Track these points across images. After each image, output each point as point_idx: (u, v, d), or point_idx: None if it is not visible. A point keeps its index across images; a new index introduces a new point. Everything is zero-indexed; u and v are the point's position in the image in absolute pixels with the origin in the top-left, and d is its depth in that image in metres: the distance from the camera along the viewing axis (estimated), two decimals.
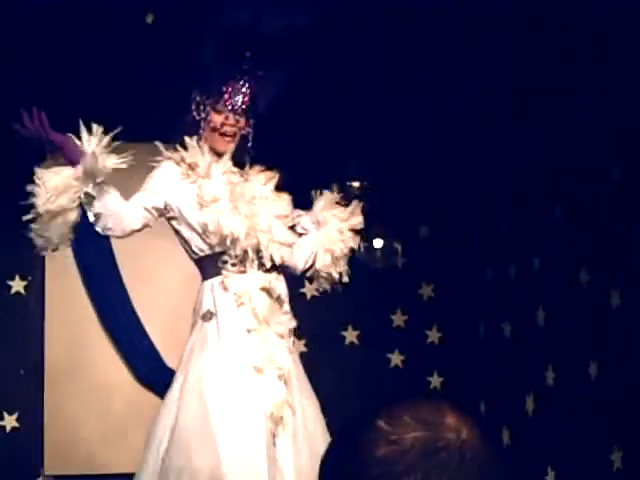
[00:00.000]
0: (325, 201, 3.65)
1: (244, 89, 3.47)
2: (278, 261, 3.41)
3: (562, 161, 4.26)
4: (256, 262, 3.38)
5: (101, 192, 3.24)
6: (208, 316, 3.37)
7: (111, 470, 4.70)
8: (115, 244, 4.73)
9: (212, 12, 3.59)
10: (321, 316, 4.83)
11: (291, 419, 3.34)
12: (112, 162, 3.22)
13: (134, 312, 4.81)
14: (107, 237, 4.65)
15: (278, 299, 3.42)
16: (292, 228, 3.59)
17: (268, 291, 3.39)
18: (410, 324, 5.11)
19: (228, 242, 3.36)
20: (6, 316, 4.77)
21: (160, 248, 4.56)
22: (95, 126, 3.21)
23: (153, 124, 3.77)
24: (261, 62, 3.48)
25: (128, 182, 3.46)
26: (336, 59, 4.45)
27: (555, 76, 4.20)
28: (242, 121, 3.47)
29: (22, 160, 3.25)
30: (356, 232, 3.64)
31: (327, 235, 3.60)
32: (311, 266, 3.61)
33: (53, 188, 3.14)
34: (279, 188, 3.53)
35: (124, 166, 3.25)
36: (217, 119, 3.45)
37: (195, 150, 3.45)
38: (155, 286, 4.86)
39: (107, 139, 3.21)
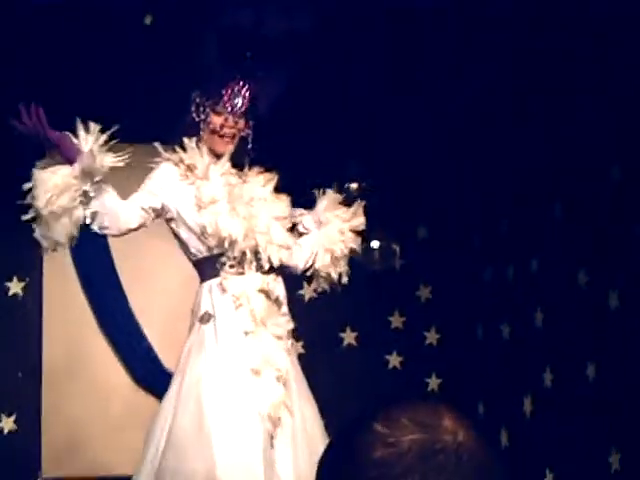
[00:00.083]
0: (328, 201, 3.65)
1: (243, 91, 3.46)
2: (276, 263, 3.40)
3: (562, 161, 4.26)
4: (254, 264, 3.38)
5: (99, 191, 3.23)
6: (206, 318, 3.37)
7: (109, 472, 4.69)
8: (114, 245, 4.73)
9: (212, 13, 3.59)
10: (319, 318, 4.83)
11: (289, 421, 3.33)
12: (109, 161, 3.21)
13: (132, 315, 4.81)
14: (106, 244, 4.68)
15: (276, 301, 3.42)
16: (292, 229, 3.58)
17: (266, 293, 3.38)
18: (408, 326, 5.11)
19: (226, 244, 3.35)
20: (4, 317, 4.77)
21: (159, 249, 4.56)
22: (92, 124, 3.20)
23: (152, 125, 3.76)
24: (261, 63, 3.48)
25: (126, 183, 3.45)
26: (336, 59, 4.45)
27: (555, 76, 4.20)
28: (241, 123, 3.47)
29: (21, 160, 3.24)
30: (357, 233, 3.64)
31: (328, 235, 3.60)
32: (311, 266, 3.60)
33: (52, 187, 3.13)
34: (278, 189, 3.52)
35: (121, 164, 3.24)
36: (216, 121, 3.44)
37: (194, 151, 3.44)
38: (154, 287, 4.85)
39: (104, 137, 3.20)
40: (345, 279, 3.61)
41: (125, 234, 3.44)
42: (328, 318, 4.91)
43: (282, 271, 3.48)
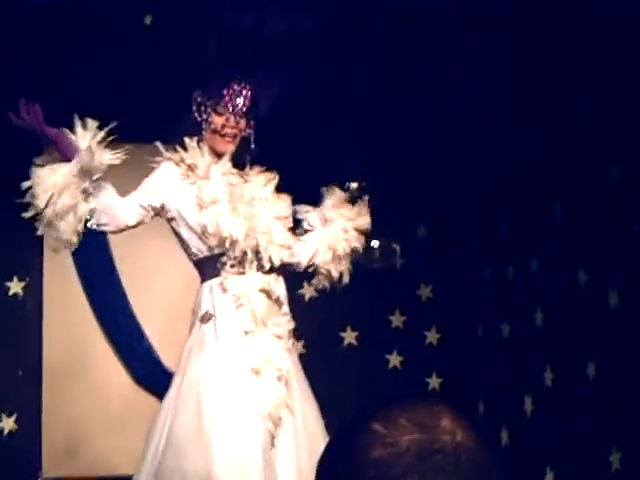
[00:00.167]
0: (334, 199, 3.65)
1: (245, 91, 3.46)
2: (277, 263, 3.41)
3: (562, 161, 4.26)
4: (255, 263, 3.38)
5: (97, 188, 3.24)
6: (207, 317, 3.37)
7: (109, 472, 4.69)
8: (114, 245, 4.74)
9: (212, 14, 3.59)
10: (320, 317, 4.83)
11: (291, 420, 3.34)
12: (108, 158, 3.21)
13: (133, 315, 4.81)
14: (106, 243, 4.68)
15: (277, 300, 3.42)
16: (295, 227, 3.58)
17: (267, 292, 3.39)
18: (409, 325, 5.11)
19: (227, 244, 3.35)
20: (4, 317, 4.76)
21: (159, 249, 4.57)
22: (90, 121, 3.20)
23: (153, 125, 3.76)
24: (261, 63, 3.48)
25: (127, 182, 3.45)
26: (336, 59, 4.45)
27: (555, 76, 4.20)
28: (243, 123, 3.47)
29: (21, 159, 3.24)
30: (361, 233, 3.64)
31: (331, 233, 3.60)
32: (314, 263, 3.61)
33: (52, 186, 3.13)
34: (279, 189, 3.53)
35: (118, 162, 3.24)
36: (218, 121, 3.45)
37: (195, 151, 3.45)
38: (154, 288, 4.85)
39: (101, 134, 3.20)
40: (346, 279, 3.61)
41: (123, 230, 3.44)
42: (328, 317, 4.91)
43: (283, 271, 3.48)
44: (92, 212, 3.26)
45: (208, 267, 3.42)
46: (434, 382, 5.09)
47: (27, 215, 3.20)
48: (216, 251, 3.39)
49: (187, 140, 3.45)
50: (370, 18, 4.20)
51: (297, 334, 3.65)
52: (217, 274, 3.39)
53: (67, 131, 3.19)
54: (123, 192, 3.39)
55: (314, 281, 3.69)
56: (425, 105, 4.78)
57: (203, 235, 3.39)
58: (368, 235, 3.68)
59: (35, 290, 4.78)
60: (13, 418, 4.72)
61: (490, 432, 4.71)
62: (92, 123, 3.20)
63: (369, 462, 1.06)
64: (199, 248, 3.43)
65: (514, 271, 4.75)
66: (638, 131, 3.74)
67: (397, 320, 5.11)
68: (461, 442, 1.09)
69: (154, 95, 4.43)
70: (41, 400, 4.73)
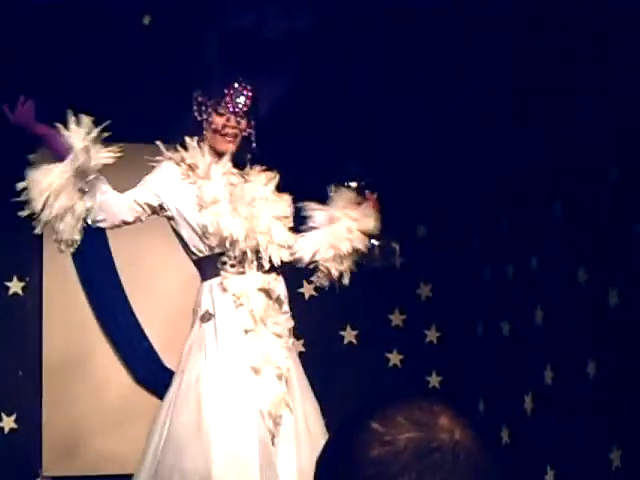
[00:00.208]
0: (342, 199, 3.64)
1: (245, 91, 3.47)
2: (277, 263, 3.41)
3: (561, 161, 4.26)
4: (255, 263, 3.38)
5: (93, 186, 3.23)
6: (207, 317, 3.37)
7: (110, 470, 4.68)
8: (114, 245, 4.74)
9: (212, 14, 3.60)
10: (319, 316, 4.83)
11: (291, 419, 3.34)
12: (103, 157, 3.20)
13: (133, 315, 4.81)
14: (106, 243, 4.68)
15: (277, 300, 3.42)
16: (295, 228, 3.58)
17: (267, 292, 3.39)
18: (408, 324, 5.12)
19: (227, 244, 3.35)
20: (4, 317, 4.76)
21: (159, 249, 4.57)
22: (84, 118, 3.18)
23: (154, 125, 3.76)
24: (261, 63, 3.48)
25: (128, 182, 3.45)
26: (336, 59, 4.45)
27: (555, 76, 4.21)
28: (243, 123, 3.47)
29: (19, 159, 3.23)
30: (366, 235, 3.63)
31: (335, 231, 3.59)
32: (316, 259, 3.61)
33: (47, 186, 3.12)
34: (280, 189, 3.53)
35: (111, 161, 3.23)
36: (218, 121, 3.44)
37: (195, 151, 3.45)
38: (155, 287, 4.85)
39: (96, 132, 3.18)
40: (346, 279, 3.60)
41: (119, 226, 3.43)
42: (328, 316, 4.91)
43: (283, 270, 3.49)
44: (89, 210, 3.26)
45: (208, 267, 3.42)
46: (434, 381, 5.09)
47: (23, 214, 3.20)
48: (216, 251, 3.39)
49: (188, 140, 3.45)
50: (370, 18, 4.21)
51: (297, 333, 3.65)
52: (217, 274, 3.39)
53: (61, 128, 3.17)
54: (123, 192, 3.39)
55: (313, 278, 3.69)
56: (425, 105, 4.78)
57: (203, 235, 3.39)
58: (369, 235, 3.68)
59: (35, 290, 4.78)
60: (13, 417, 4.71)
61: (490, 431, 4.71)
62: (86, 120, 3.18)
63: (367, 461, 1.06)
64: (199, 248, 3.43)
65: (514, 270, 4.75)
66: (637, 131, 3.75)
67: (397, 319, 5.11)
68: (459, 440, 1.08)
69: (155, 95, 4.44)
70: (41, 399, 4.72)
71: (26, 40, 4.30)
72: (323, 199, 3.66)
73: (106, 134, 3.20)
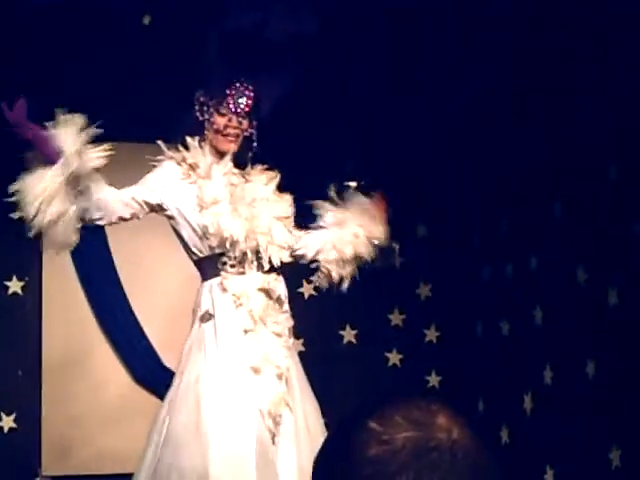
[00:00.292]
0: (355, 203, 3.63)
1: (247, 91, 3.47)
2: (277, 263, 3.41)
3: (561, 161, 4.27)
4: (255, 263, 3.39)
5: (87, 187, 3.21)
6: (206, 317, 3.37)
7: (109, 470, 4.69)
8: (114, 244, 4.74)
9: (214, 14, 3.60)
10: (319, 315, 4.83)
11: (291, 418, 3.34)
12: (95, 159, 3.16)
13: (132, 314, 4.81)
14: (105, 242, 4.68)
15: (278, 300, 3.42)
16: (301, 225, 3.58)
17: (267, 292, 3.39)
18: (408, 323, 5.12)
19: (227, 244, 3.35)
20: (4, 317, 4.75)
21: (159, 249, 4.58)
22: (75, 118, 3.12)
23: (155, 124, 3.76)
24: (262, 63, 3.48)
25: (128, 182, 3.45)
26: (336, 59, 4.45)
27: (555, 76, 4.21)
28: (245, 123, 3.47)
29: (18, 158, 3.22)
30: (372, 242, 3.61)
31: (341, 234, 3.59)
32: (318, 258, 3.61)
33: (41, 191, 3.09)
34: (281, 188, 3.53)
35: (103, 163, 3.18)
36: (220, 121, 3.44)
37: (196, 151, 3.45)
38: (154, 286, 4.85)
39: (84, 136, 3.13)
40: (346, 284, 3.60)
41: (116, 223, 3.42)
42: (328, 316, 4.91)
43: (283, 270, 3.49)
44: (85, 210, 3.24)
45: (208, 267, 3.42)
46: (434, 380, 5.10)
47: (15, 216, 3.17)
48: (216, 251, 3.39)
49: (189, 139, 3.45)
50: (370, 18, 4.21)
51: (296, 332, 3.65)
52: (217, 274, 3.39)
53: (51, 130, 3.11)
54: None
55: (313, 278, 3.69)
56: (425, 105, 4.79)
57: (204, 235, 3.39)
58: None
59: (34, 289, 4.77)
60: (12, 417, 4.71)
61: (490, 430, 4.72)
62: (77, 120, 3.13)
63: (365, 460, 1.06)
64: (199, 248, 3.43)
65: (513, 270, 4.76)
66: (636, 131, 3.75)
67: (396, 318, 5.11)
68: (457, 440, 1.08)
69: (156, 95, 4.44)
70: (40, 398, 4.72)
71: (26, 40, 4.30)
72: (323, 199, 3.66)
73: (98, 131, 3.13)
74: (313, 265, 3.64)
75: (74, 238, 3.23)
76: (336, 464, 1.10)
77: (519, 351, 4.68)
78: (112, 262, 4.80)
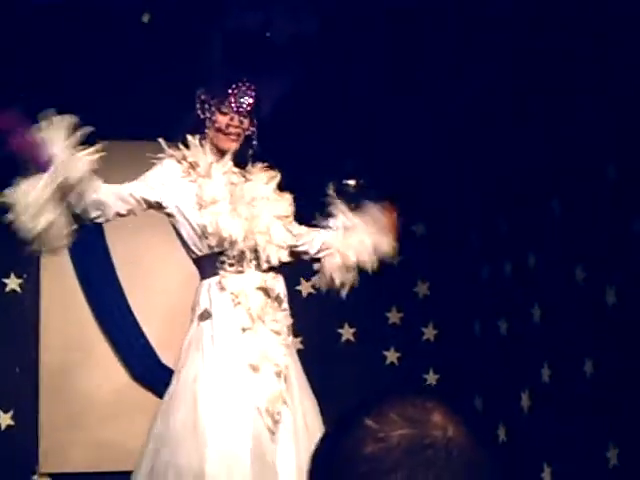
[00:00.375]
0: (368, 216, 3.63)
1: (249, 91, 3.47)
2: (275, 263, 3.41)
3: (560, 160, 4.27)
4: (254, 262, 3.39)
5: (82, 191, 3.19)
6: (205, 315, 3.37)
7: (107, 467, 4.68)
8: (113, 243, 4.75)
9: (215, 13, 3.60)
10: (317, 313, 4.83)
11: (290, 416, 3.35)
12: (85, 163, 3.13)
13: (131, 312, 4.80)
14: (104, 241, 4.69)
15: (277, 298, 3.43)
16: (309, 223, 3.58)
17: (265, 290, 3.39)
18: (406, 321, 5.12)
19: (226, 244, 3.36)
20: (1, 314, 4.75)
21: (158, 246, 4.58)
22: (64, 120, 3.09)
23: (155, 123, 3.77)
24: (262, 63, 3.49)
25: (129, 181, 3.46)
26: (336, 59, 4.46)
27: (555, 76, 4.21)
28: (246, 122, 3.48)
29: (17, 157, 3.22)
30: (377, 252, 3.60)
31: (348, 240, 3.59)
32: (319, 259, 3.61)
33: (34, 200, 3.06)
34: (281, 187, 3.54)
35: (94, 166, 3.16)
36: (222, 120, 3.45)
37: (197, 149, 3.45)
38: (153, 285, 4.85)
39: (74, 139, 3.11)
40: (345, 292, 3.60)
41: (113, 219, 3.42)
42: (326, 314, 4.90)
43: (282, 269, 3.50)
44: (83, 212, 3.23)
45: (207, 265, 3.42)
46: (431, 378, 5.10)
47: (8, 219, 3.15)
48: (215, 250, 3.39)
49: (189, 138, 3.45)
50: (370, 18, 4.22)
51: (295, 330, 3.66)
52: (216, 272, 3.39)
53: (39, 135, 3.07)
54: None
55: (314, 279, 3.70)
56: (425, 105, 4.79)
57: (202, 234, 3.40)
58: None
59: (32, 287, 4.77)
60: (10, 414, 4.71)
61: (487, 428, 4.72)
62: (67, 122, 3.09)
63: (361, 458, 1.07)
64: (198, 246, 3.43)
65: (512, 268, 4.76)
66: (635, 131, 3.76)
67: (394, 317, 5.12)
68: (452, 437, 1.09)
69: (156, 93, 4.44)
70: (38, 396, 4.72)
71: (26, 40, 4.29)
72: (323, 199, 3.67)
73: (90, 129, 3.11)
74: (315, 266, 3.64)
75: (66, 242, 3.23)
76: (332, 461, 1.10)
77: (517, 349, 4.68)
78: (110, 261, 4.79)
